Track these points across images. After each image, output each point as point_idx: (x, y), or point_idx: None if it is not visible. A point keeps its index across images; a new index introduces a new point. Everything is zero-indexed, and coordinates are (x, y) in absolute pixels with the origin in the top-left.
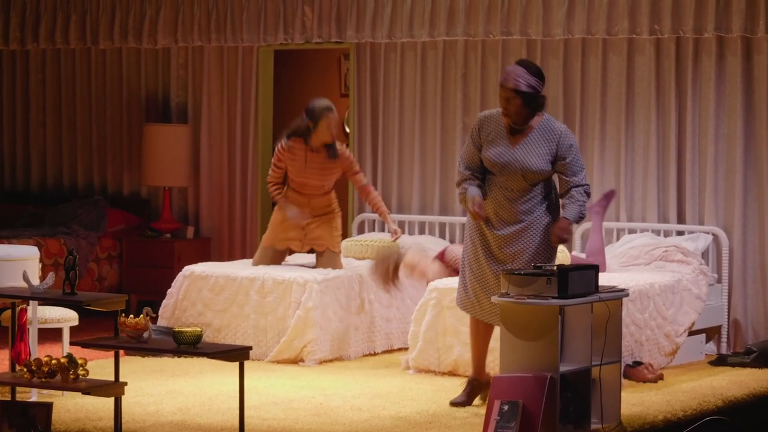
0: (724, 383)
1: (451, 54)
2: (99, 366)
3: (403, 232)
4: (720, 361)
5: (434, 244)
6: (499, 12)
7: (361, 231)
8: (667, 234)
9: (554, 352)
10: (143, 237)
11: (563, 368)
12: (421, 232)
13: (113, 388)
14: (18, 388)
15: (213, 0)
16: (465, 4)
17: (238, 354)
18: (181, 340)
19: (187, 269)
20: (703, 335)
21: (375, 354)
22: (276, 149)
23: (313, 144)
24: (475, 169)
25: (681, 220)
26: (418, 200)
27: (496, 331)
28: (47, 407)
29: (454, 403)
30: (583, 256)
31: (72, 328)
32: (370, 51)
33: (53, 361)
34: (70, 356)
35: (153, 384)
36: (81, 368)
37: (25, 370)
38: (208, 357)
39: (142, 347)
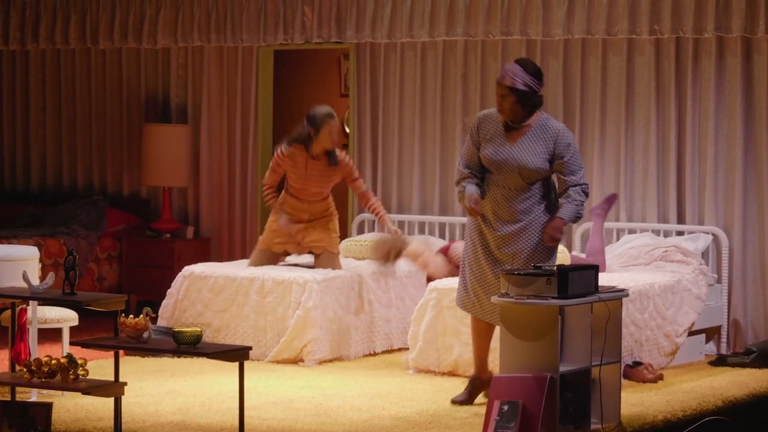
0: (724, 383)
1: (450, 54)
2: (99, 366)
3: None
4: (720, 361)
5: (435, 244)
6: (499, 12)
7: (360, 231)
8: (666, 234)
9: (554, 352)
10: (143, 237)
11: (563, 368)
12: (421, 232)
13: (113, 388)
14: (18, 388)
15: (213, 0)
16: (465, 4)
17: (237, 354)
18: (180, 340)
19: (187, 269)
20: (703, 335)
21: (375, 354)
22: (275, 154)
23: (314, 151)
24: (474, 167)
25: (681, 220)
26: (418, 200)
27: (497, 330)
28: (47, 407)
29: (456, 401)
30: (583, 256)
31: (72, 328)
32: (370, 51)
33: (53, 361)
34: (69, 356)
35: (153, 384)
36: (81, 368)
37: (24, 370)
38: (207, 357)
39: (142, 347)
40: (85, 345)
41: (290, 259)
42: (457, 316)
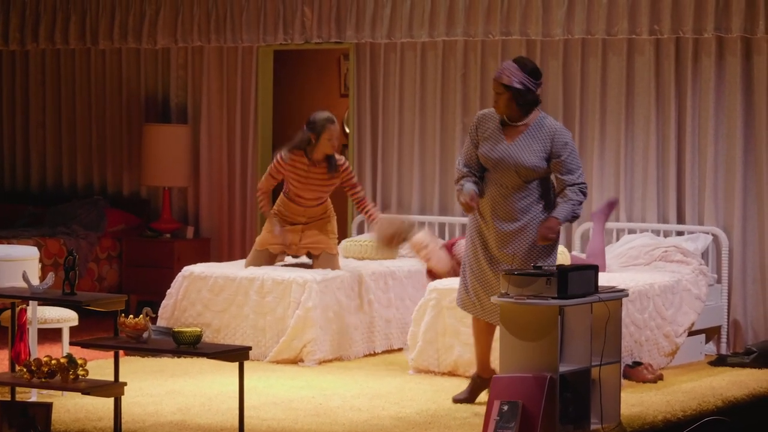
0: (724, 383)
1: (450, 54)
2: (99, 366)
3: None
4: (720, 361)
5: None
6: (499, 12)
7: (360, 231)
8: (666, 234)
9: (554, 352)
10: (143, 237)
11: (563, 368)
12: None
13: (113, 389)
14: (18, 388)
15: (213, 0)
16: (464, 4)
17: (237, 354)
18: (180, 341)
19: (187, 269)
20: (703, 335)
21: (375, 354)
22: (275, 160)
23: (314, 156)
24: (473, 166)
25: (681, 220)
26: (418, 200)
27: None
28: (47, 407)
29: (457, 400)
30: (583, 256)
31: (72, 329)
32: (370, 51)
33: (53, 362)
34: (69, 356)
35: (153, 384)
36: (81, 368)
37: (24, 370)
38: (207, 357)
39: (142, 347)
40: (85, 345)
41: (288, 259)
42: (457, 316)
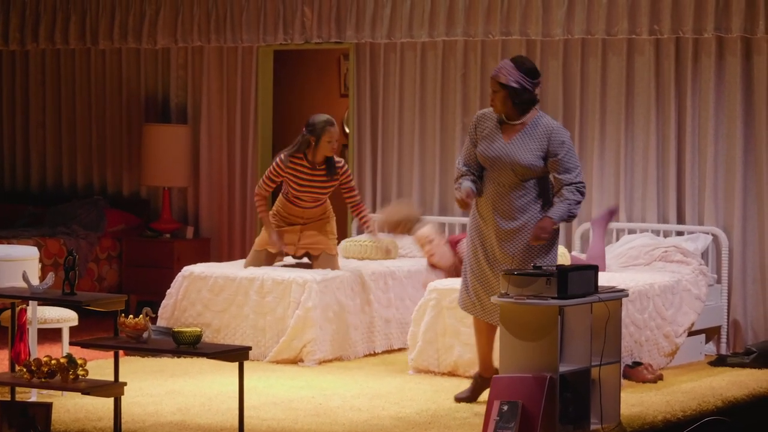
0: (724, 384)
1: (450, 54)
2: (98, 366)
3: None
4: (719, 361)
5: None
6: (499, 12)
7: (360, 232)
8: (666, 234)
9: (554, 352)
10: (143, 237)
11: (563, 368)
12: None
13: (113, 389)
14: (17, 388)
15: (213, 0)
16: (464, 4)
17: (237, 354)
18: (180, 341)
19: (187, 269)
20: (703, 336)
21: (375, 354)
22: (275, 163)
23: (314, 159)
24: (472, 165)
25: (681, 220)
26: (418, 200)
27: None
28: (47, 407)
29: (459, 398)
30: (583, 257)
31: (71, 329)
32: (370, 51)
33: (53, 362)
34: (69, 356)
35: (152, 384)
36: (80, 368)
37: (24, 370)
38: (207, 357)
39: (142, 347)
40: (84, 345)
41: (287, 259)
42: (457, 316)
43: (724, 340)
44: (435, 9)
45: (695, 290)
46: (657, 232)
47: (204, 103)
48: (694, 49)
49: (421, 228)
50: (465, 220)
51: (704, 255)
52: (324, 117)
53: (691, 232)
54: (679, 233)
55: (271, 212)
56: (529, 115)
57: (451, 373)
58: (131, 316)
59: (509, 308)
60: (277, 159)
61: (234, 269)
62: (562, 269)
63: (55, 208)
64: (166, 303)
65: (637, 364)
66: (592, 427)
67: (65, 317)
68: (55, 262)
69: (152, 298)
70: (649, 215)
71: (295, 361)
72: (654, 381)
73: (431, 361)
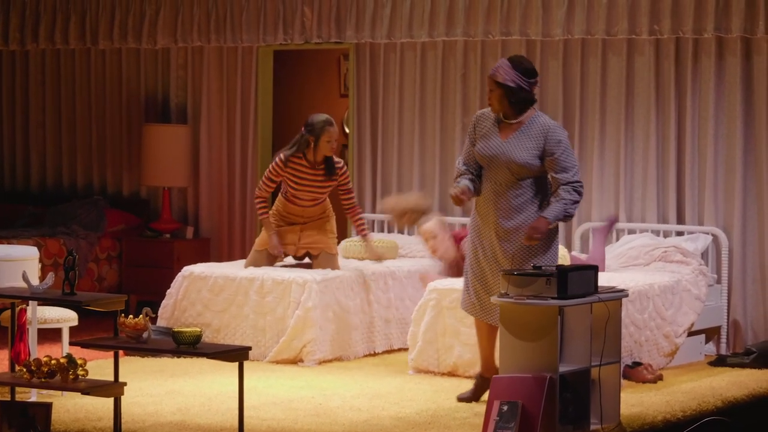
0: (724, 384)
1: (450, 54)
2: (98, 366)
3: (402, 232)
4: (719, 361)
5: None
6: (499, 12)
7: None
8: (666, 234)
9: (554, 352)
10: (143, 237)
11: (563, 369)
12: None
13: (113, 389)
14: (17, 388)
15: (212, 0)
16: (464, 4)
17: (237, 354)
18: (180, 341)
19: (187, 269)
20: (703, 336)
21: (375, 354)
22: (274, 163)
23: (313, 159)
24: (471, 165)
25: (680, 220)
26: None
27: None
28: (47, 407)
29: (462, 398)
30: (583, 257)
31: (71, 329)
32: (370, 51)
33: (53, 362)
34: (69, 356)
35: (152, 384)
36: (80, 368)
37: (24, 370)
38: (207, 357)
39: (142, 347)
40: (84, 345)
41: (288, 260)
42: (457, 316)
43: (724, 340)
44: (435, 9)
45: (695, 290)
46: (657, 233)
47: (204, 103)
48: (694, 49)
49: (427, 222)
50: (465, 220)
51: (704, 255)
52: (323, 117)
53: (691, 233)
54: (679, 233)
55: (271, 212)
56: (526, 114)
57: (451, 374)
58: (131, 316)
59: (509, 308)
60: (276, 159)
61: (234, 269)
62: (562, 269)
63: (55, 208)
64: (166, 303)
65: (637, 364)
66: (592, 427)
67: (65, 317)
68: (55, 262)
69: (152, 298)
70: (649, 215)
71: (295, 361)
72: (654, 381)
73: (431, 361)
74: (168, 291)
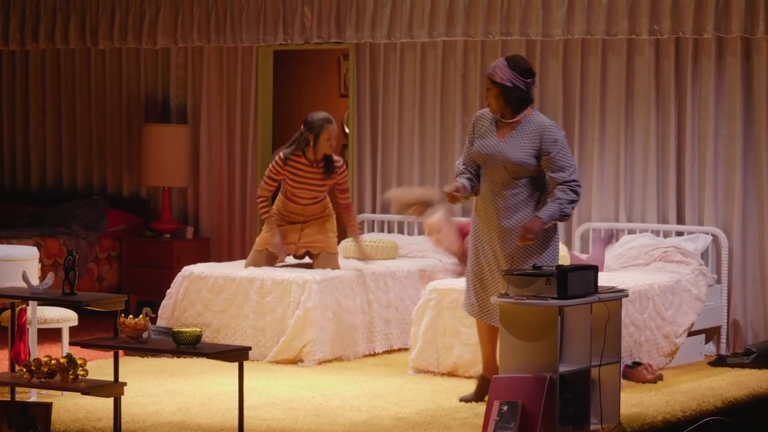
0: (724, 384)
1: (450, 54)
2: (98, 366)
3: (402, 232)
4: (719, 361)
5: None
6: (499, 12)
7: (360, 231)
8: (666, 234)
9: (553, 352)
10: (143, 237)
11: (562, 369)
12: (420, 232)
13: (113, 389)
14: (17, 388)
15: (212, 0)
16: (464, 4)
17: (237, 354)
18: (180, 341)
19: (187, 269)
20: (703, 336)
21: (374, 354)
22: (274, 162)
23: (313, 157)
24: (471, 165)
25: (680, 220)
26: None
27: None
28: (47, 407)
29: (464, 399)
30: (584, 257)
31: (71, 329)
32: (370, 51)
33: (53, 362)
34: (69, 356)
35: (152, 384)
36: (80, 368)
37: (24, 370)
38: (207, 357)
39: (142, 347)
40: (84, 345)
41: (288, 260)
42: (457, 316)
43: (723, 340)
44: (435, 9)
45: (695, 290)
46: (657, 233)
47: (204, 103)
48: (694, 49)
49: (433, 214)
50: (464, 220)
51: (704, 255)
52: (322, 114)
53: (691, 233)
54: (679, 233)
55: (272, 217)
56: (523, 114)
57: (451, 374)
58: (131, 316)
59: (509, 308)
60: (276, 158)
61: (234, 269)
62: (561, 269)
63: (55, 208)
64: (166, 303)
65: (637, 364)
66: (592, 427)
67: (65, 317)
68: (55, 262)
69: (152, 298)
70: (649, 215)
71: (295, 361)
72: (654, 381)
73: (431, 361)
74: (168, 291)
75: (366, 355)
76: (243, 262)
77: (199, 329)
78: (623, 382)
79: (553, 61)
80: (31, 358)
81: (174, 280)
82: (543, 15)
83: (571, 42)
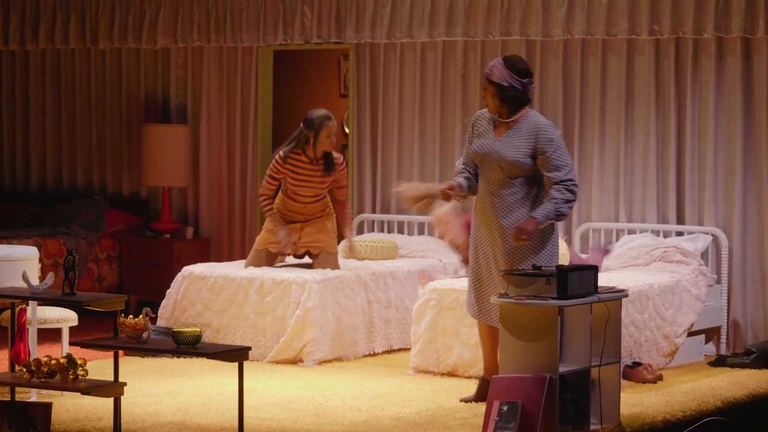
0: (724, 384)
1: (450, 54)
2: (98, 366)
3: (402, 232)
4: (719, 361)
5: (435, 244)
6: (499, 12)
7: (360, 232)
8: (666, 234)
9: (553, 352)
10: (143, 237)
11: (562, 369)
12: (420, 232)
13: (112, 389)
14: (17, 388)
15: (212, 0)
16: (464, 4)
17: (237, 354)
18: (180, 341)
19: (187, 269)
20: (703, 336)
21: (374, 354)
22: (274, 160)
23: (312, 154)
24: (470, 164)
25: (680, 220)
26: None
27: None
28: (46, 407)
29: (465, 400)
30: (584, 257)
31: (71, 329)
32: (370, 51)
33: (53, 362)
34: (69, 356)
35: (152, 384)
36: (80, 368)
37: (24, 370)
38: (207, 357)
39: (142, 347)
40: (84, 345)
41: (288, 259)
42: (457, 316)
43: (723, 340)
44: (435, 9)
45: (695, 290)
46: (657, 233)
47: (204, 103)
48: (694, 49)
49: (442, 206)
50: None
51: (704, 255)
52: (322, 112)
53: (691, 233)
54: (679, 233)
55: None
56: (520, 113)
57: (451, 374)
58: (131, 316)
59: (509, 308)
60: (276, 156)
61: (234, 269)
62: (561, 269)
63: (55, 208)
64: (166, 303)
65: (637, 364)
66: (592, 427)
67: (65, 317)
68: (55, 262)
69: (152, 298)
70: (649, 215)
71: (295, 361)
72: (654, 381)
73: (431, 361)
74: (168, 291)
75: (366, 355)
76: (243, 262)
77: (199, 329)
78: (623, 382)
79: (553, 61)
80: (31, 358)
81: (174, 280)
82: (543, 15)
83: (571, 42)
